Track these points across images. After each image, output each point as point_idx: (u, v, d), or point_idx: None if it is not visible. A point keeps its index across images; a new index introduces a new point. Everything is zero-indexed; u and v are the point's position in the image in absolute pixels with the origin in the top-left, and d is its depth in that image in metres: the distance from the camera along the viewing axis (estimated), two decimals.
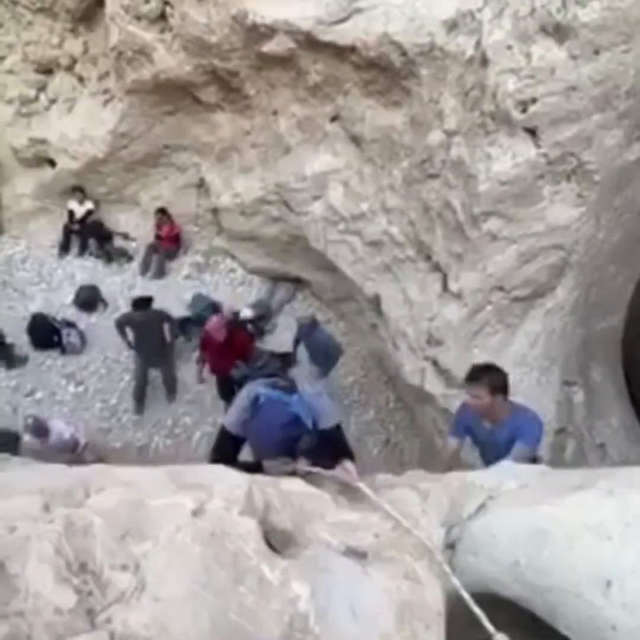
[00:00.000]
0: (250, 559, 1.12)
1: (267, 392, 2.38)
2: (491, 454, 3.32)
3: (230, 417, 2.54)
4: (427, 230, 5.51)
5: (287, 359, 7.51)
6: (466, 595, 1.30)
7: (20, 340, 7.54)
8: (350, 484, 1.86)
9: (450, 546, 1.87)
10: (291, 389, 2.53)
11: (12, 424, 6.70)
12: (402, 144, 5.78)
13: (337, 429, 2.48)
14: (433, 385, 5.69)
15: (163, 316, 6.89)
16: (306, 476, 1.99)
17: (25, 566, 0.94)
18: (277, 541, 1.39)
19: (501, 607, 1.84)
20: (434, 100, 5.22)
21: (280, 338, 8.16)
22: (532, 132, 4.40)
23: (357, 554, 1.40)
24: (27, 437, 6.18)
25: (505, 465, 2.56)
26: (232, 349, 6.05)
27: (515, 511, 1.89)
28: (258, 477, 1.56)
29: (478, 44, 4.66)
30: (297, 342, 7.03)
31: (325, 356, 6.70)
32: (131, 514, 1.16)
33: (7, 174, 9.15)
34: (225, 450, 2.48)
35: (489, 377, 3.18)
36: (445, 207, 5.17)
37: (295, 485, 1.63)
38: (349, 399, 7.46)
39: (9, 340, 7.39)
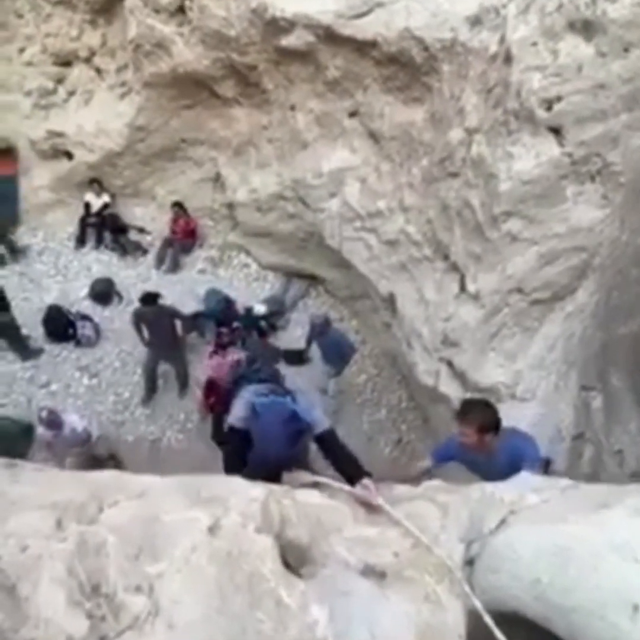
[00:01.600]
0: (268, 581, 1.08)
1: (262, 400, 2.53)
2: (493, 479, 3.30)
3: (235, 414, 2.69)
4: (445, 230, 5.42)
5: (299, 356, 7.49)
6: (490, 621, 1.25)
7: (35, 332, 7.58)
8: (370, 503, 1.83)
9: (470, 562, 1.82)
10: (283, 393, 2.79)
11: (27, 415, 6.75)
12: (421, 141, 5.69)
13: (333, 432, 2.56)
14: (448, 386, 5.62)
15: (172, 312, 6.85)
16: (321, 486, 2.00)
17: (37, 588, 0.91)
18: (293, 556, 1.35)
19: (520, 626, 1.79)
20: (456, 97, 5.12)
21: (292, 334, 8.13)
22: (556, 131, 4.29)
23: (376, 574, 1.36)
24: (40, 429, 6.21)
25: (524, 476, 2.50)
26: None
27: (538, 528, 1.83)
28: (274, 487, 1.53)
29: (502, 40, 4.56)
30: (310, 340, 7.00)
31: (338, 355, 6.65)
32: (145, 530, 1.13)
33: (25, 165, 9.18)
34: (237, 444, 2.59)
35: (477, 415, 3.11)
36: (464, 206, 5.07)
37: (311, 496, 1.59)
38: (361, 398, 7.41)
39: (24, 331, 7.42)
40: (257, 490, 1.39)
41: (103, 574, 1.01)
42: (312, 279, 8.61)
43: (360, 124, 6.63)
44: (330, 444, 2.50)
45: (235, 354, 5.96)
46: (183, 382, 7.14)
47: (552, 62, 4.16)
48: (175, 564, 1.07)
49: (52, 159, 9.20)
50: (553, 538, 1.79)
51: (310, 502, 1.55)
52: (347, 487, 2.03)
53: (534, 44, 4.27)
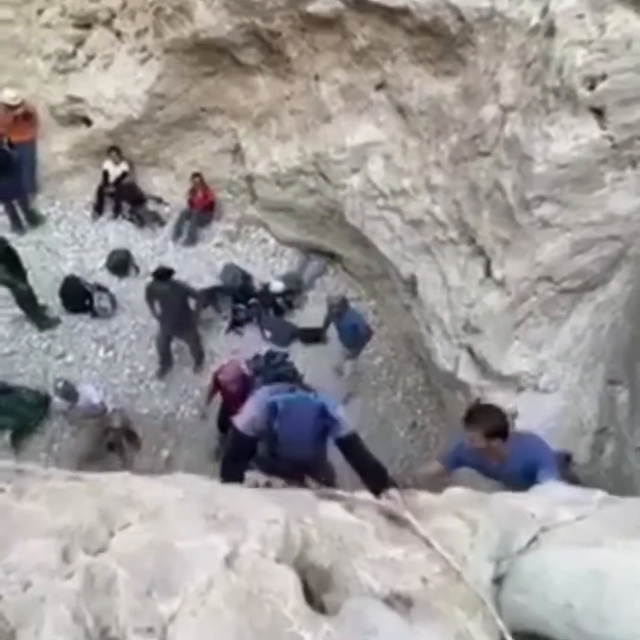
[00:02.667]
0: (290, 623, 1.00)
1: (285, 397, 2.35)
2: (508, 486, 3.22)
3: (243, 418, 2.52)
4: (473, 212, 5.21)
5: (315, 335, 7.39)
6: None
7: (52, 302, 7.56)
8: (398, 516, 1.73)
9: (497, 580, 1.72)
10: (306, 389, 2.54)
11: (43, 385, 6.78)
12: (452, 118, 5.43)
13: (355, 436, 2.42)
14: (467, 373, 5.50)
15: (186, 290, 6.74)
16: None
17: (39, 636, 0.83)
18: (314, 581, 1.26)
19: None
20: (491, 71, 4.85)
21: (309, 313, 8.01)
22: (598, 111, 4.04)
23: (402, 601, 1.27)
24: (56, 400, 6.25)
25: (551, 486, 2.39)
26: (242, 399, 5.67)
27: (572, 550, 1.72)
28: (296, 502, 1.44)
29: (545, 11, 4.27)
30: (328, 321, 6.89)
31: (355, 337, 6.55)
32: (159, 561, 1.04)
33: (43, 131, 9.04)
34: (239, 450, 2.46)
35: (485, 421, 3.00)
36: (494, 188, 4.86)
37: (334, 511, 1.50)
38: (377, 380, 7.32)
39: (41, 301, 7.41)
40: (277, 509, 1.29)
41: (112, 615, 0.93)
42: (331, 257, 8.44)
43: (387, 97, 6.36)
44: (353, 448, 2.36)
45: (244, 360, 5.62)
46: (198, 358, 7.10)
47: (598, 37, 3.88)
48: (190, 604, 0.98)
49: (70, 125, 9.05)
50: (588, 562, 1.68)
51: (333, 519, 1.46)
52: (373, 500, 1.93)
53: (580, 16, 3.98)
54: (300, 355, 7.40)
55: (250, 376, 5.50)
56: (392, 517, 1.70)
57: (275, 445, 2.30)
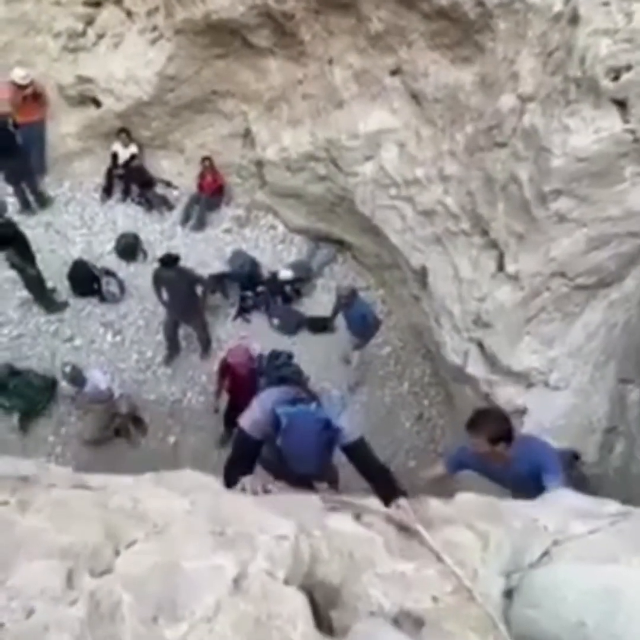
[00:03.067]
0: None
1: (288, 411, 2.28)
2: (513, 488, 3.22)
3: (248, 419, 2.49)
4: (487, 204, 5.11)
5: (323, 324, 7.34)
6: None
7: (60, 285, 7.54)
8: (408, 527, 1.69)
9: (508, 594, 1.69)
10: (308, 397, 2.52)
11: (51, 368, 6.79)
12: (468, 106, 5.30)
13: (362, 442, 2.37)
14: (476, 368, 5.45)
15: (193, 277, 6.68)
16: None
17: None
18: (323, 597, 1.23)
19: None
20: (510, 59, 4.71)
21: (318, 301, 7.96)
22: (621, 104, 3.92)
23: (412, 620, 1.24)
24: (63, 384, 6.27)
25: (564, 494, 2.34)
26: (250, 384, 5.57)
27: (585, 567, 1.68)
28: (304, 512, 1.40)
29: None
30: (336, 311, 6.84)
31: (363, 328, 6.51)
32: (165, 583, 1.01)
33: (53, 111, 8.95)
34: (244, 453, 2.42)
35: (488, 427, 2.98)
36: (510, 180, 4.75)
37: (344, 522, 1.46)
38: (384, 370, 7.28)
39: (49, 284, 7.39)
40: (286, 523, 1.26)
41: None
42: (340, 245, 8.36)
43: (402, 83, 6.21)
44: (361, 455, 2.30)
45: (255, 344, 5.55)
46: (205, 345, 7.08)
47: (624, 26, 3.75)
48: (197, 631, 0.96)
49: (80, 106, 8.95)
50: (602, 579, 1.64)
51: (342, 531, 1.43)
52: (383, 509, 1.89)
53: (606, 3, 3.84)
54: (308, 344, 7.39)
55: (258, 361, 5.50)
56: (403, 528, 1.67)
57: (281, 458, 2.26)
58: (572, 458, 4.29)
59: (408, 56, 5.97)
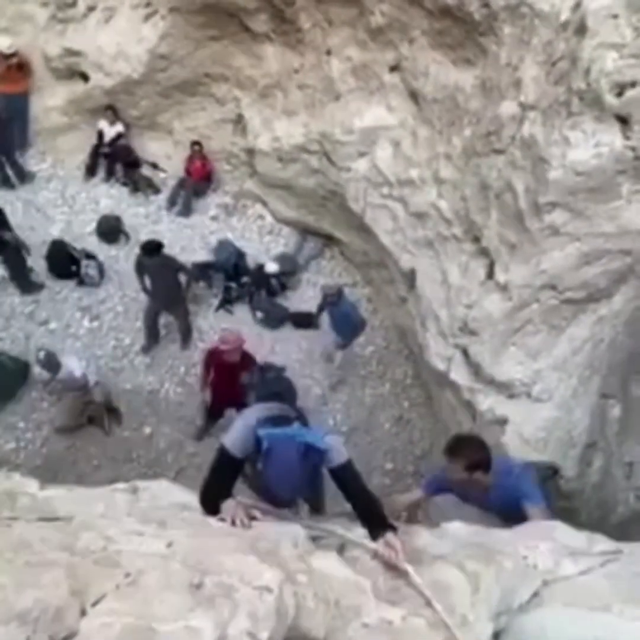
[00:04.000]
0: None
1: (269, 434, 2.18)
2: (492, 513, 3.19)
3: (231, 438, 2.40)
4: (480, 211, 5.04)
5: (308, 320, 7.24)
6: None
7: (37, 265, 7.30)
8: (396, 566, 1.61)
9: (495, 636, 1.63)
10: (290, 418, 2.42)
11: (24, 351, 6.59)
12: (467, 109, 5.21)
13: (348, 466, 2.29)
14: (459, 375, 5.41)
15: (176, 266, 6.52)
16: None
17: None
18: None
19: None
20: (513, 65, 4.62)
21: (303, 296, 7.86)
22: (623, 120, 3.86)
23: None
24: (37, 369, 6.07)
25: (552, 526, 2.30)
26: (238, 374, 5.38)
27: (577, 613, 1.63)
28: (289, 553, 1.31)
29: (577, 7, 4.03)
30: (321, 309, 6.75)
31: (347, 328, 6.44)
32: None
33: (38, 83, 8.61)
34: (225, 472, 2.32)
35: (465, 454, 2.96)
36: (506, 188, 4.68)
37: (330, 565, 1.37)
38: (365, 370, 7.22)
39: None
40: (270, 573, 1.17)
41: None
42: (328, 240, 8.24)
43: (401, 81, 6.09)
44: (347, 479, 2.21)
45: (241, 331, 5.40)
46: (185, 335, 6.94)
47: (632, 41, 3.68)
48: None
49: (66, 79, 8.62)
50: (592, 629, 1.58)
51: (328, 575, 1.34)
52: (370, 545, 1.81)
53: (615, 16, 3.76)
54: (290, 339, 7.29)
55: (249, 355, 5.39)
56: (390, 566, 1.59)
57: (261, 481, 2.16)
58: (551, 472, 4.29)
59: (409, 53, 5.84)
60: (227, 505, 2.09)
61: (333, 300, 6.24)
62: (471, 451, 2.98)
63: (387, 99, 6.24)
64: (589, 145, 3.99)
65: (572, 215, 4.28)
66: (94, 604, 1.02)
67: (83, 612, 1.01)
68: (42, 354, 5.78)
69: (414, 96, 5.96)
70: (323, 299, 6.56)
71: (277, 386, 2.89)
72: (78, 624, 0.97)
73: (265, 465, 2.13)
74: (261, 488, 2.11)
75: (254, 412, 2.46)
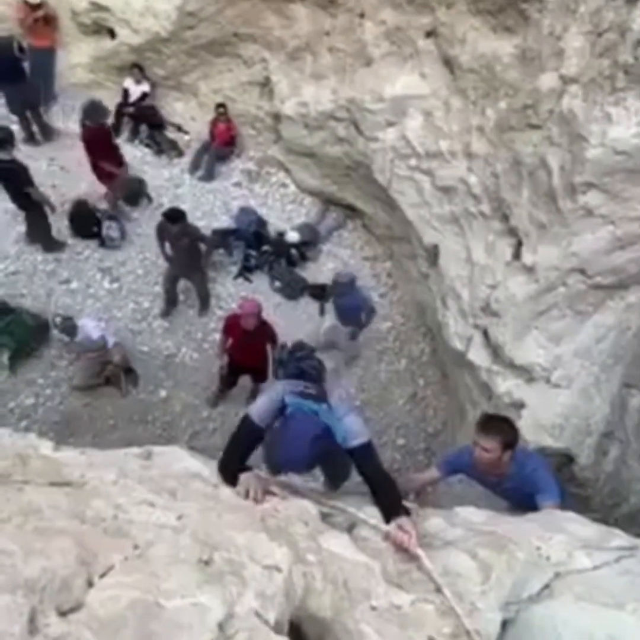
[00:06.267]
0: None
1: (296, 402, 2.27)
2: (505, 500, 3.19)
3: (257, 408, 2.45)
4: (511, 188, 4.87)
5: (323, 291, 7.12)
6: None
7: (60, 224, 7.30)
8: (407, 550, 1.59)
9: (502, 624, 1.61)
10: (320, 397, 2.44)
11: (45, 309, 6.65)
12: (504, 80, 4.98)
13: (368, 447, 2.29)
14: (478, 356, 5.33)
15: (196, 235, 6.45)
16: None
17: None
18: (313, 630, 1.13)
19: None
20: (556, 35, 4.38)
21: (322, 267, 7.78)
22: None
23: None
24: (55, 332, 6.14)
25: (568, 517, 2.25)
26: (256, 342, 5.38)
27: (589, 608, 1.59)
28: (300, 531, 1.29)
29: None
30: (327, 297, 6.44)
31: (355, 319, 6.15)
32: (140, 628, 0.90)
33: (64, 38, 8.48)
34: (245, 440, 2.35)
35: (504, 433, 2.92)
36: (540, 166, 4.50)
37: (340, 545, 1.35)
38: (382, 345, 7.16)
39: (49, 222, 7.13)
40: (280, 552, 1.15)
41: None
42: (351, 211, 8.10)
43: (436, 47, 5.84)
44: (365, 460, 2.20)
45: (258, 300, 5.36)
46: (204, 302, 6.93)
47: None
48: None
49: (93, 35, 8.49)
50: (604, 625, 1.55)
51: (339, 556, 1.32)
52: (383, 527, 1.79)
53: None
54: (308, 311, 7.24)
55: (269, 325, 5.39)
56: (401, 549, 1.57)
57: (274, 443, 2.17)
58: (567, 460, 4.24)
59: (446, 18, 5.58)
60: (245, 477, 2.10)
61: (344, 290, 5.94)
62: (506, 429, 2.95)
63: (420, 66, 6.01)
64: (632, 123, 3.80)
65: (608, 196, 4.11)
66: (102, 576, 1.02)
67: (90, 583, 1.00)
68: (58, 320, 5.84)
69: (448, 64, 5.72)
70: (335, 286, 6.17)
71: (306, 365, 2.88)
72: (85, 596, 0.96)
73: (281, 427, 2.18)
74: (272, 450, 2.13)
75: (284, 385, 2.50)
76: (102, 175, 7.17)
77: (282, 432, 2.18)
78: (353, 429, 2.27)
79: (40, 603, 0.88)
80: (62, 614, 0.90)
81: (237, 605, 1.01)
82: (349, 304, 6.07)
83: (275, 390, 2.50)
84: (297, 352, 3.10)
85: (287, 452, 2.07)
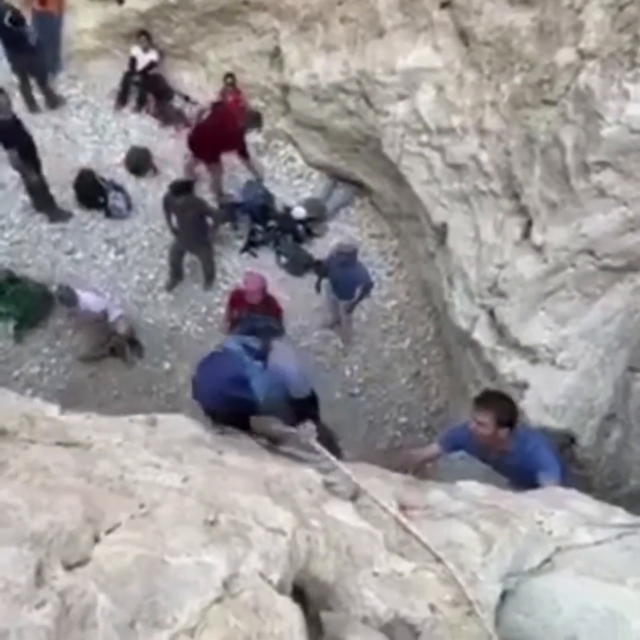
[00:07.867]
0: None
1: (231, 346, 2.40)
2: (506, 478, 3.18)
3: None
4: (523, 166, 4.78)
5: (320, 267, 7.03)
6: None
7: (65, 194, 7.26)
8: (307, 444, 1.68)
9: (502, 595, 1.63)
10: (260, 355, 2.52)
11: (50, 278, 6.65)
12: (520, 55, 4.86)
13: (312, 400, 2.42)
14: (483, 336, 5.30)
15: (204, 208, 6.39)
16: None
17: None
18: (316, 595, 1.14)
19: None
20: (576, 8, 4.25)
21: (329, 243, 7.71)
22: None
23: (407, 627, 1.16)
24: (58, 302, 6.14)
25: (570, 494, 2.26)
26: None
27: (589, 582, 1.60)
28: (303, 496, 1.30)
29: None
30: (325, 269, 6.31)
31: (350, 293, 6.06)
32: (146, 582, 0.91)
33: (71, 3, 8.31)
34: None
35: (498, 407, 2.92)
36: (553, 143, 4.41)
37: (343, 512, 1.36)
38: (386, 324, 7.16)
39: (54, 191, 7.09)
40: (284, 516, 1.15)
41: None
42: (359, 187, 8.00)
43: (451, 19, 5.68)
44: (306, 411, 2.34)
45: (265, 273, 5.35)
46: (209, 276, 6.92)
47: None
48: None
49: (101, 0, 8.31)
50: (604, 599, 1.56)
51: (342, 523, 1.33)
52: (287, 429, 1.98)
53: None
54: (313, 287, 7.21)
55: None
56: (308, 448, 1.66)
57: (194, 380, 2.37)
58: (568, 440, 4.25)
59: None
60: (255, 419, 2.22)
61: (346, 260, 5.82)
62: (502, 405, 2.95)
63: (434, 38, 5.86)
64: None
65: (622, 176, 4.03)
66: (108, 532, 1.03)
67: (96, 539, 1.01)
68: (56, 288, 5.82)
69: (463, 36, 5.57)
70: (332, 257, 6.04)
71: (259, 323, 3.00)
72: (91, 551, 0.97)
73: (202, 362, 2.35)
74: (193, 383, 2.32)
75: (234, 338, 2.66)
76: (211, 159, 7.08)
77: (203, 364, 2.36)
78: (295, 381, 2.44)
79: (46, 556, 0.89)
80: (69, 567, 0.91)
81: (242, 566, 1.02)
82: (347, 275, 5.95)
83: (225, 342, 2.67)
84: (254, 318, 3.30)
85: (204, 383, 2.20)
